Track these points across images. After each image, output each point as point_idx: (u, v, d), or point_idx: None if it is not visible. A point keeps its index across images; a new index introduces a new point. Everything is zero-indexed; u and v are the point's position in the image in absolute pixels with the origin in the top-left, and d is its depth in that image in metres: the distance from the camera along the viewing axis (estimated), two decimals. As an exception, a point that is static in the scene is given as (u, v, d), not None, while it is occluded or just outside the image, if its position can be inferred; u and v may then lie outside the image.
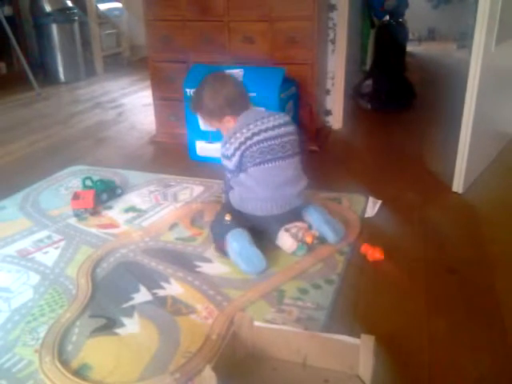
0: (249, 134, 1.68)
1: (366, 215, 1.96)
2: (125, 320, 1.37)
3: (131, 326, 1.35)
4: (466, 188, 2.16)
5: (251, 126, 1.69)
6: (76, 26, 4.77)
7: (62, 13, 4.61)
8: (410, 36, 5.04)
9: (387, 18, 3.62)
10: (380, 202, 2.04)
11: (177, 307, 1.42)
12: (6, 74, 4.60)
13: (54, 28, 4.59)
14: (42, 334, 1.31)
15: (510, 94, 2.52)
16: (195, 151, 2.58)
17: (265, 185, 1.70)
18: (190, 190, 2.23)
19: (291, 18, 2.55)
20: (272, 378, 1.10)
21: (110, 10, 5.41)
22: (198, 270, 1.62)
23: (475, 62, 1.92)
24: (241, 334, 1.13)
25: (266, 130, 1.69)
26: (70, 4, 4.72)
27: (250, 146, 1.67)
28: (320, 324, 1.34)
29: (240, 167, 1.71)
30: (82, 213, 1.98)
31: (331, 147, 2.84)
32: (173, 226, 1.91)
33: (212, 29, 2.68)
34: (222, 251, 1.68)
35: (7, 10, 4.46)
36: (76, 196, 2.01)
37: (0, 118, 3.62)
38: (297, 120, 2.57)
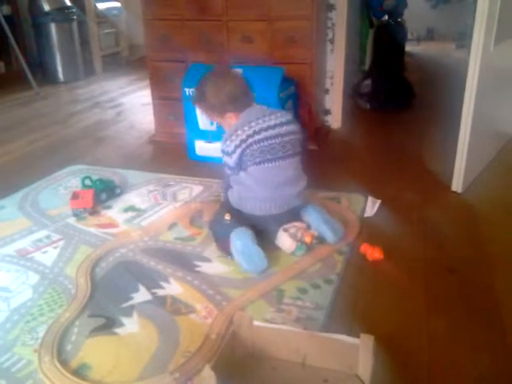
0: (250, 132, 1.67)
1: (366, 215, 1.96)
2: (124, 320, 1.37)
3: (130, 326, 1.35)
4: (466, 187, 2.16)
5: (253, 124, 1.68)
6: (75, 25, 4.76)
7: (61, 12, 4.60)
8: (409, 36, 5.04)
9: (386, 17, 3.62)
10: (379, 201, 2.04)
11: (176, 307, 1.42)
12: (5, 74, 4.60)
13: (53, 27, 4.59)
14: (41, 334, 1.31)
15: (509, 93, 2.52)
16: (194, 151, 2.58)
17: (264, 184, 1.70)
18: (189, 190, 2.22)
19: (290, 18, 2.55)
20: (271, 378, 1.10)
21: (108, 9, 5.41)
22: (197, 269, 1.62)
23: (474, 62, 1.93)
24: (240, 334, 1.13)
25: (267, 129, 1.68)
26: (68, 3, 4.72)
27: (251, 144, 1.66)
28: (319, 324, 1.34)
29: (240, 165, 1.70)
30: (81, 212, 1.98)
31: (330, 147, 2.84)
32: (172, 226, 1.91)
33: (211, 28, 2.68)
34: (225, 251, 1.67)
35: (6, 9, 4.46)
36: (75, 195, 2.01)
37: (-1, 118, 3.63)
38: (296, 119, 2.57)
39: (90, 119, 3.54)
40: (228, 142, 1.69)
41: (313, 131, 2.76)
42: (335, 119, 3.13)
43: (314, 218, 1.75)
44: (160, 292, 1.49)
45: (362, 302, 1.45)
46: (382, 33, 3.63)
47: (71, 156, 2.73)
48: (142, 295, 1.48)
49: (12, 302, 1.46)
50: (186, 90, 2.48)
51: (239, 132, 1.68)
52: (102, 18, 5.31)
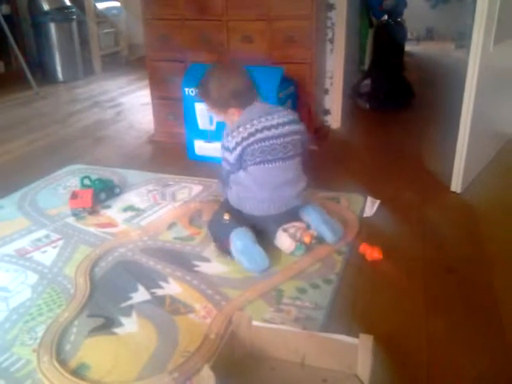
0: (252, 130, 1.65)
1: (365, 215, 1.96)
2: (123, 319, 1.37)
3: (129, 326, 1.35)
4: (465, 188, 2.16)
5: (255, 122, 1.67)
6: (74, 24, 4.76)
7: (60, 11, 4.60)
8: (409, 36, 5.03)
9: (386, 17, 3.62)
10: (378, 201, 2.05)
11: (175, 306, 1.42)
12: (4, 73, 4.59)
13: (52, 27, 4.58)
14: (40, 334, 1.31)
15: (508, 93, 2.52)
16: (194, 150, 2.58)
17: (263, 185, 1.70)
18: (189, 190, 2.22)
19: (290, 18, 2.55)
20: (270, 378, 1.10)
21: (108, 8, 5.41)
22: (196, 269, 1.61)
23: (473, 62, 1.93)
24: (239, 334, 1.13)
25: (269, 128, 1.67)
26: (68, 3, 4.72)
27: (252, 143, 1.65)
28: (318, 324, 1.34)
29: (240, 162, 1.69)
30: (80, 212, 1.98)
31: (330, 146, 2.84)
32: (171, 226, 1.91)
33: (210, 28, 2.68)
34: (225, 251, 1.67)
35: (5, 9, 4.45)
36: (74, 195, 2.01)
37: (-2, 117, 3.62)
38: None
39: (90, 119, 3.54)
40: (229, 138, 1.67)
41: (312, 131, 2.76)
42: (335, 119, 3.12)
43: (313, 218, 1.74)
44: (159, 292, 1.49)
45: (361, 302, 1.45)
46: (381, 32, 3.63)
47: (70, 155, 2.73)
48: (141, 295, 1.48)
49: (11, 302, 1.46)
50: (186, 89, 2.48)
51: (241, 129, 1.66)
52: (102, 17, 5.31)
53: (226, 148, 1.70)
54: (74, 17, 4.73)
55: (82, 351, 1.25)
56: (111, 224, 1.93)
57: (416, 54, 5.81)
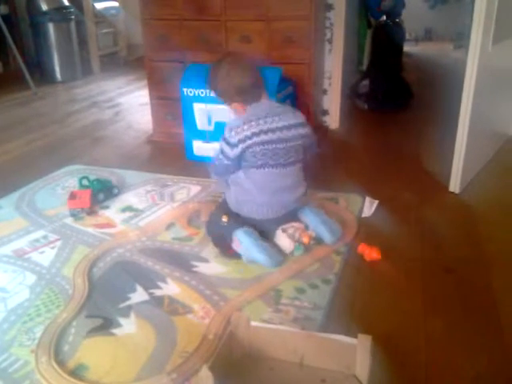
0: (256, 130, 1.62)
1: (363, 215, 1.96)
2: (121, 320, 1.37)
3: (128, 326, 1.34)
4: (463, 188, 2.16)
5: (261, 122, 1.63)
6: (73, 24, 4.75)
7: (59, 11, 4.59)
8: (407, 36, 5.02)
9: (384, 18, 3.62)
10: (377, 201, 2.05)
11: (173, 307, 1.42)
12: (3, 73, 4.59)
13: (51, 27, 4.58)
14: (38, 334, 1.31)
15: (507, 93, 2.52)
16: (192, 151, 2.58)
17: (263, 189, 1.69)
18: (187, 190, 2.22)
19: (288, 18, 2.55)
20: (269, 378, 1.10)
21: (106, 8, 5.40)
22: (194, 269, 1.61)
23: (472, 62, 1.93)
24: (238, 334, 1.13)
25: (274, 131, 1.64)
26: (66, 3, 4.71)
27: (255, 144, 1.62)
28: (317, 324, 1.34)
29: (239, 161, 1.67)
30: (78, 212, 1.98)
31: (328, 147, 2.84)
32: (169, 226, 1.90)
33: (209, 28, 2.68)
34: (231, 254, 1.66)
35: (3, 9, 4.45)
36: (72, 195, 2.00)
37: (-3, 117, 3.62)
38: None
39: (88, 119, 3.53)
40: (233, 133, 1.64)
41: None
42: (333, 119, 3.13)
43: (311, 218, 1.74)
44: (157, 292, 1.49)
45: (360, 302, 1.45)
46: (380, 33, 3.63)
47: (69, 156, 2.73)
48: (139, 295, 1.48)
49: (9, 303, 1.45)
50: (184, 89, 2.47)
51: (246, 127, 1.63)
52: (100, 17, 5.30)
53: (227, 142, 1.66)
54: (73, 17, 4.73)
55: (80, 352, 1.25)
56: (109, 224, 1.93)
57: (414, 54, 5.81)
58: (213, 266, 1.64)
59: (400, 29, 3.74)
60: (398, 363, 1.19)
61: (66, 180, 2.36)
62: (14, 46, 4.28)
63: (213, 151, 1.79)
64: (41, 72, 4.74)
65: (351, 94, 3.66)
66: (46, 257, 1.70)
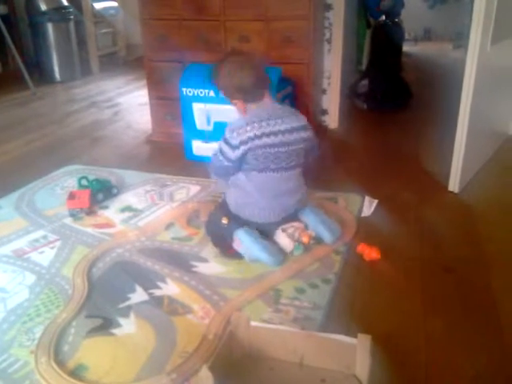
0: (258, 133, 1.61)
1: (363, 215, 1.97)
2: (121, 320, 1.37)
3: (127, 326, 1.34)
4: (462, 187, 2.16)
5: (263, 124, 1.62)
6: (72, 24, 4.75)
7: (58, 12, 4.59)
8: (406, 36, 5.04)
9: (383, 18, 3.62)
10: (376, 201, 2.05)
11: (173, 307, 1.42)
12: (2, 73, 4.58)
13: (50, 27, 4.57)
14: (37, 335, 1.31)
15: (506, 93, 2.52)
16: (191, 151, 2.57)
17: (263, 192, 1.69)
18: (187, 190, 2.22)
19: (287, 18, 2.55)
20: (269, 378, 1.10)
21: (105, 8, 5.39)
22: (194, 269, 1.61)
23: (471, 62, 1.93)
24: (237, 334, 1.13)
25: (276, 134, 1.63)
26: (65, 3, 4.70)
27: (257, 147, 1.61)
28: (317, 324, 1.34)
29: (240, 163, 1.67)
30: (77, 212, 1.98)
31: (327, 147, 2.84)
32: (169, 226, 1.90)
33: (208, 28, 2.68)
34: (231, 254, 1.66)
35: (2, 9, 4.44)
36: (72, 196, 2.00)
37: (-4, 118, 3.61)
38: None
39: (87, 119, 3.53)
40: (234, 134, 1.62)
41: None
42: (332, 119, 3.13)
43: (311, 218, 1.75)
44: (157, 292, 1.49)
45: (360, 302, 1.45)
46: (379, 33, 3.63)
47: (68, 156, 2.72)
48: (138, 295, 1.48)
49: (8, 303, 1.45)
50: (184, 89, 2.47)
51: (248, 128, 1.61)
52: (99, 17, 5.29)
53: (228, 143, 1.64)
54: (72, 17, 4.72)
55: (80, 352, 1.25)
56: (109, 224, 1.93)
57: (414, 54, 5.81)
58: (212, 265, 1.64)
59: (399, 29, 3.75)
60: (397, 363, 1.19)
61: (65, 180, 2.36)
62: (12, 46, 4.27)
63: (212, 151, 1.78)
64: (40, 72, 4.73)
65: (350, 93, 3.66)
66: (45, 257, 1.70)
